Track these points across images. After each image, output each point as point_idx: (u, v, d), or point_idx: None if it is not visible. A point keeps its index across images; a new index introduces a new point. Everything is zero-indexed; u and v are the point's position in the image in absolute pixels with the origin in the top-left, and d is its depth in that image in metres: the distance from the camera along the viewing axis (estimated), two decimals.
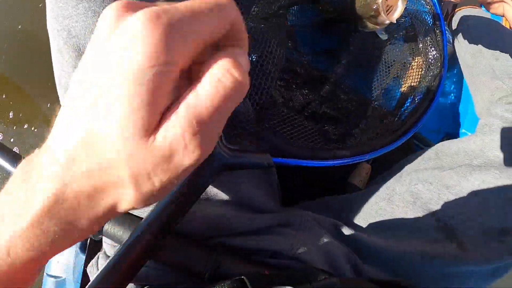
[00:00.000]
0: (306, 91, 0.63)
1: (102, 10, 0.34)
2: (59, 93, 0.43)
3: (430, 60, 0.69)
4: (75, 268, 0.58)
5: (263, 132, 0.46)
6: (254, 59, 0.52)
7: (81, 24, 0.37)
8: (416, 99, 0.66)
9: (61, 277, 0.60)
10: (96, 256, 0.49)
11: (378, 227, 0.57)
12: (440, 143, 0.65)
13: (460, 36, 0.78)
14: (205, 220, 0.46)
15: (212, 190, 0.47)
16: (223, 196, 0.47)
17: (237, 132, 0.45)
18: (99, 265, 0.48)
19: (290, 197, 0.62)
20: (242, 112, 0.48)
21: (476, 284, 0.55)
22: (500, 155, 0.57)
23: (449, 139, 0.78)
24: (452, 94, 0.86)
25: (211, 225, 0.46)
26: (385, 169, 0.66)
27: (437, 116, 0.85)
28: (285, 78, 0.62)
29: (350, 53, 0.68)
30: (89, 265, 0.50)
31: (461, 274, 0.54)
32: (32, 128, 1.07)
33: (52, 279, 0.61)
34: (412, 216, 0.56)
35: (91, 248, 0.53)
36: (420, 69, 0.69)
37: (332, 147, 0.53)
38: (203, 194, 0.43)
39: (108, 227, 0.43)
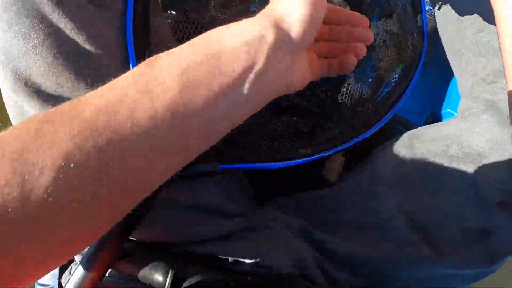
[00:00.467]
0: None
1: (33, 33, 0.35)
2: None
3: (407, 37, 0.65)
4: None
5: None
6: None
7: (16, 48, 0.37)
8: (392, 80, 0.63)
9: (50, 285, 0.62)
10: (69, 267, 0.50)
11: (348, 229, 0.54)
12: (415, 129, 0.62)
13: (440, 9, 0.73)
14: (167, 227, 0.46)
15: (174, 197, 0.46)
16: (186, 202, 0.47)
17: None
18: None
19: (265, 194, 0.61)
20: None
21: (460, 284, 0.54)
22: (478, 145, 0.53)
23: (433, 120, 0.74)
24: (435, 71, 0.82)
25: (170, 234, 0.46)
26: (362, 157, 0.63)
27: (419, 96, 0.81)
28: None
29: None
30: (63, 276, 0.51)
31: (438, 277, 0.52)
32: None
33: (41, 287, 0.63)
34: (384, 217, 0.53)
35: None
36: (397, 47, 0.65)
37: (296, 146, 0.51)
38: (165, 201, 0.44)
39: None
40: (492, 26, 0.61)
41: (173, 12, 0.54)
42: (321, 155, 0.51)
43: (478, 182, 0.50)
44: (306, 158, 0.50)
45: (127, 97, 0.28)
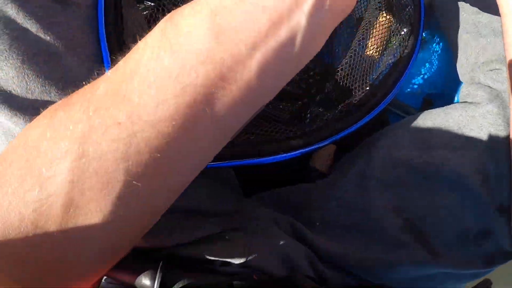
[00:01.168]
0: None
1: (12, 52, 0.35)
2: None
3: (403, 16, 0.62)
4: None
5: None
6: None
7: None
8: (389, 62, 0.61)
9: None
10: None
11: (336, 228, 0.52)
12: (411, 116, 0.58)
13: None
14: (148, 233, 0.43)
15: None
16: None
17: None
18: None
19: (250, 187, 0.59)
20: None
21: (457, 283, 0.53)
22: (481, 138, 0.50)
23: (430, 101, 0.72)
24: (433, 54, 0.80)
25: (148, 241, 0.45)
26: (354, 144, 0.60)
27: (416, 76, 0.79)
28: None
29: None
30: None
31: (434, 276, 0.50)
32: None
33: None
34: (375, 216, 0.50)
35: None
36: (391, 27, 0.63)
37: (283, 137, 0.49)
38: None
39: None
40: (493, 7, 0.59)
41: (149, 3, 0.51)
42: (315, 146, 0.49)
43: (476, 181, 0.48)
44: (300, 150, 0.48)
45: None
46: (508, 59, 0.44)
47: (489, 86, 0.53)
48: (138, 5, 0.46)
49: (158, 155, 0.26)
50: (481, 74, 0.56)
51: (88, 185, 0.25)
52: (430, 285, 0.51)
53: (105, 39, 0.39)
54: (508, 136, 0.49)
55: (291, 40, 0.28)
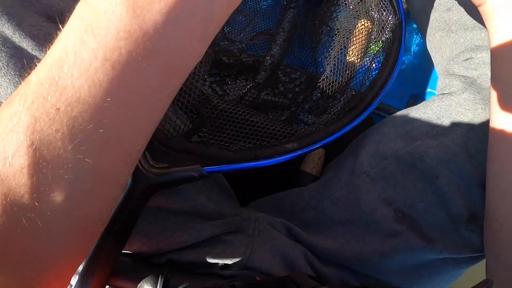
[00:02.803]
0: (242, 81, 0.62)
1: (10, 68, 0.38)
2: None
3: (383, 22, 0.66)
4: None
5: (192, 146, 0.46)
6: None
7: None
8: (372, 67, 0.65)
9: None
10: None
11: (332, 225, 0.55)
12: (395, 114, 0.62)
13: None
14: (145, 240, 0.47)
15: (151, 205, 0.47)
16: (162, 209, 0.48)
17: (165, 149, 0.45)
18: None
19: (247, 195, 0.62)
20: (171, 124, 0.48)
21: (455, 269, 0.54)
22: (460, 126, 0.53)
23: (414, 102, 0.77)
24: (413, 53, 0.85)
25: (152, 244, 0.47)
26: (342, 148, 0.64)
27: (398, 79, 0.84)
28: (217, 73, 0.61)
29: (287, 29, 0.66)
30: None
31: (432, 265, 0.52)
32: None
33: None
34: (367, 209, 0.53)
35: None
36: (371, 33, 0.67)
37: (276, 142, 0.52)
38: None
39: None
40: (462, 2, 0.65)
41: None
42: (308, 149, 0.52)
43: (461, 163, 0.50)
44: (292, 154, 0.50)
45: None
46: (493, 44, 0.47)
47: (463, 76, 0.58)
48: None
49: (101, 130, 0.27)
50: (455, 66, 0.60)
51: (44, 172, 0.27)
52: (428, 272, 0.52)
53: None
54: (487, 116, 0.52)
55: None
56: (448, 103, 0.56)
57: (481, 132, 0.51)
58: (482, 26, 0.61)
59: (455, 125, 0.53)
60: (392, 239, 0.51)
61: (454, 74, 0.59)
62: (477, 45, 0.59)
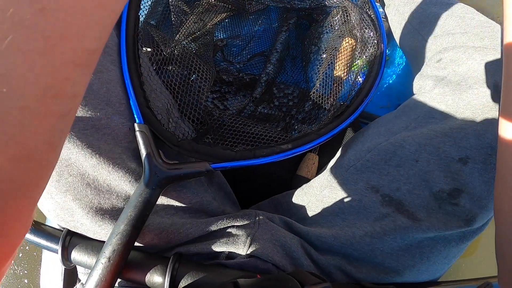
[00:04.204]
0: (241, 97, 0.71)
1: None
2: None
3: (366, 39, 0.75)
4: None
5: (200, 146, 0.54)
6: (185, 78, 0.61)
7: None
8: (358, 80, 0.73)
9: None
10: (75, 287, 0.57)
11: (326, 215, 0.60)
12: (376, 119, 0.70)
13: (389, 10, 0.88)
14: (157, 232, 0.53)
15: (162, 202, 0.54)
16: (172, 205, 0.55)
17: (177, 149, 0.53)
18: None
19: (248, 200, 0.70)
20: (181, 131, 0.56)
21: (446, 249, 0.57)
22: (435, 116, 0.59)
23: None
24: (398, 66, 0.94)
25: (163, 236, 0.53)
26: (333, 156, 0.72)
27: (385, 91, 0.93)
28: (218, 90, 0.71)
29: (280, 50, 0.76)
30: None
31: (422, 244, 0.56)
32: None
33: None
34: (356, 198, 0.59)
35: (67, 277, 0.60)
36: (355, 50, 0.76)
37: (273, 144, 0.59)
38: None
39: (75, 255, 0.51)
40: (432, 15, 0.75)
41: (148, 49, 0.65)
42: (302, 149, 0.59)
43: (437, 144, 0.56)
44: (287, 152, 0.58)
45: None
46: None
47: (435, 75, 0.65)
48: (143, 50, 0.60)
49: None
50: (428, 68, 0.68)
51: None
52: (419, 252, 0.56)
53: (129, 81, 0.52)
54: (457, 105, 0.58)
55: None
56: (422, 100, 0.63)
57: (453, 118, 0.57)
58: (451, 32, 0.69)
59: (430, 117, 0.60)
60: (381, 221, 0.56)
61: (426, 75, 0.67)
62: (445, 47, 0.68)
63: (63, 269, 0.59)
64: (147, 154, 0.50)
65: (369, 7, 0.76)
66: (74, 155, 0.48)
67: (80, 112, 0.47)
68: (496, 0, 1.15)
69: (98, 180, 0.50)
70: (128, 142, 0.52)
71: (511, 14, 0.40)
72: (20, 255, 1.21)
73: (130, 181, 0.51)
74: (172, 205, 0.55)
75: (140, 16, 0.58)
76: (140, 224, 0.49)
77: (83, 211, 0.50)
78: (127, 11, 0.56)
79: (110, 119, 0.50)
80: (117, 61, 0.53)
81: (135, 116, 0.52)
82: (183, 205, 0.56)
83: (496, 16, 1.10)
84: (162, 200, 0.55)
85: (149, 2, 0.68)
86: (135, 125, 0.51)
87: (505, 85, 0.42)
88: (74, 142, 0.47)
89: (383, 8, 0.92)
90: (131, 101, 0.52)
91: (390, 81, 0.93)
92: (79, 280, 0.58)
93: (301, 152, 0.59)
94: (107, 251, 0.47)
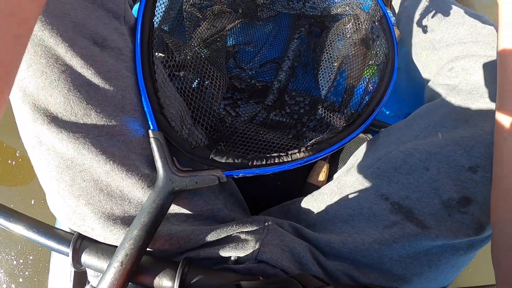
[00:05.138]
0: (253, 104, 0.72)
1: (49, 70, 0.44)
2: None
3: (377, 48, 0.76)
4: None
5: (213, 154, 0.55)
6: (198, 86, 0.62)
7: (33, 84, 0.47)
8: (369, 88, 0.74)
9: None
10: None
11: (336, 222, 0.61)
12: (386, 128, 0.71)
13: (400, 18, 0.89)
14: (167, 238, 0.54)
15: (173, 208, 0.55)
16: (183, 212, 0.56)
17: (191, 156, 0.54)
18: None
19: (259, 207, 0.71)
20: (194, 138, 0.57)
21: (454, 257, 0.57)
22: (445, 124, 0.60)
23: None
24: (408, 74, 0.95)
25: (173, 242, 0.54)
26: (343, 163, 0.73)
27: (395, 99, 0.93)
28: (230, 96, 0.71)
29: (291, 58, 0.77)
30: None
31: (430, 252, 0.56)
32: None
33: None
34: (366, 205, 0.59)
35: (76, 280, 0.61)
36: (367, 58, 0.77)
37: (284, 152, 0.60)
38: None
39: (85, 258, 0.52)
40: (443, 24, 0.75)
41: (160, 54, 0.66)
42: (313, 157, 0.60)
43: (448, 153, 0.56)
44: (299, 161, 0.58)
45: None
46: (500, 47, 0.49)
47: (446, 84, 0.66)
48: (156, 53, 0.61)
49: None
50: (439, 77, 0.69)
51: None
52: (427, 259, 0.56)
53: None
54: (467, 114, 0.58)
55: None
56: (433, 109, 0.64)
57: (464, 127, 0.57)
58: (463, 41, 0.70)
59: (441, 126, 0.61)
60: (390, 228, 0.56)
61: (438, 84, 0.68)
62: (457, 56, 0.68)
63: (73, 272, 0.60)
64: (162, 161, 0.51)
65: (380, 16, 0.76)
66: (88, 161, 0.48)
67: (95, 119, 0.48)
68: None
69: (111, 186, 0.50)
70: (142, 148, 0.52)
71: (506, 20, 0.43)
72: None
73: (143, 187, 0.52)
74: (183, 212, 0.56)
75: (154, 22, 0.59)
76: (153, 229, 0.50)
77: (95, 216, 0.51)
78: (142, 17, 0.57)
79: (124, 126, 0.51)
80: (132, 68, 0.54)
81: (150, 122, 0.53)
82: (194, 212, 0.57)
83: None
84: (173, 207, 0.56)
85: (163, 8, 0.70)
86: (150, 132, 0.52)
87: (499, 91, 0.44)
88: (88, 148, 0.48)
89: (395, 16, 0.93)
90: (145, 108, 0.53)
91: (402, 91, 0.94)
92: (88, 282, 0.58)
93: (312, 161, 0.60)
94: (120, 255, 0.48)
